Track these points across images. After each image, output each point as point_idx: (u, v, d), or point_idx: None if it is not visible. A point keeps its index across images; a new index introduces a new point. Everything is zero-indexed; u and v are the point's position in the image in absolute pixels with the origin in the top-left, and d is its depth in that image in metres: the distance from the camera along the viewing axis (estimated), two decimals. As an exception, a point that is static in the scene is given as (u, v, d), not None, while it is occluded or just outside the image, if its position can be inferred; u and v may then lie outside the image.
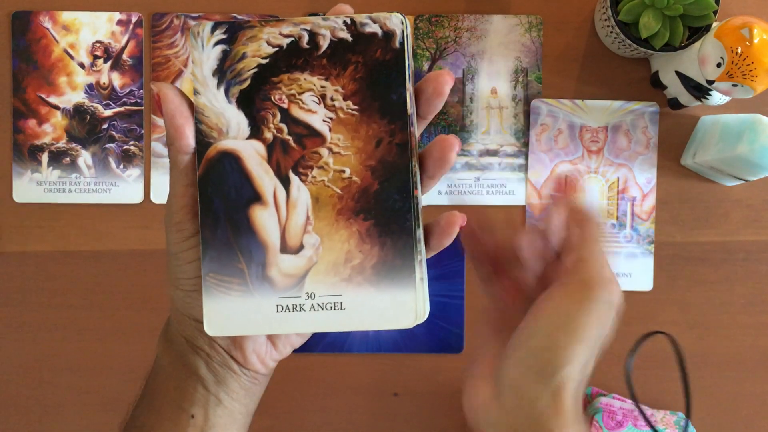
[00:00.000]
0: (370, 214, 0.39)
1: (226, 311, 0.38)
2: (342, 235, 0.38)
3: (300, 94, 0.39)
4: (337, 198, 0.39)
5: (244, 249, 0.38)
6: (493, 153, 0.75)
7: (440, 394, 0.75)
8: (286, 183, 0.38)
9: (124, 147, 0.74)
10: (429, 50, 0.74)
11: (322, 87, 0.39)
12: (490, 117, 0.75)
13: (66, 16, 0.73)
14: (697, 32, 0.66)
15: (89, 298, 0.74)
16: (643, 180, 0.74)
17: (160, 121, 0.74)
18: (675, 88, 0.70)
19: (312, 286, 0.38)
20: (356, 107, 0.39)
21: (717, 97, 0.69)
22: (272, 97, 0.39)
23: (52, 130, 0.73)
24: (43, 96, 0.73)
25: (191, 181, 0.38)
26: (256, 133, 0.39)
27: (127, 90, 0.74)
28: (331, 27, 0.38)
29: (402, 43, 0.39)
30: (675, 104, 0.72)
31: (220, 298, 0.38)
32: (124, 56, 0.74)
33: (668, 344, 0.67)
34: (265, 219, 0.38)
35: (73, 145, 0.73)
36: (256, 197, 0.38)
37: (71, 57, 0.73)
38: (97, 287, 0.74)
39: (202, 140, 0.38)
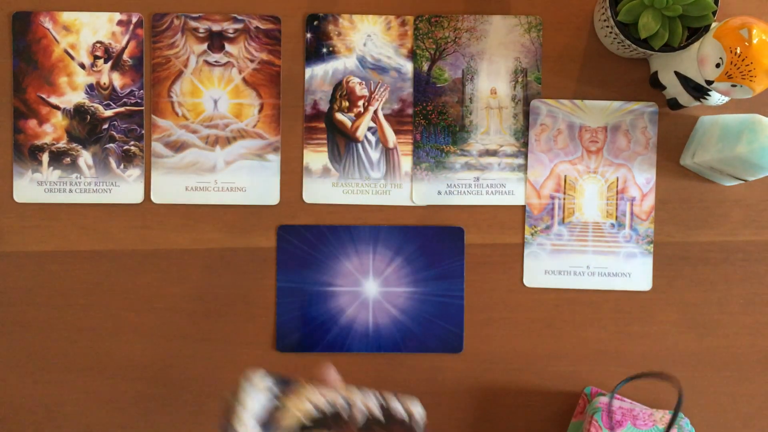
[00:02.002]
0: None
1: None
2: None
3: None
4: None
5: None
6: (492, 153, 0.75)
7: (440, 394, 0.75)
8: None
9: (125, 147, 0.74)
10: (429, 50, 0.74)
11: None
12: (489, 117, 0.75)
13: (66, 16, 0.73)
14: (696, 33, 0.66)
15: (89, 297, 0.74)
16: (642, 180, 0.74)
17: (160, 121, 0.74)
18: (674, 89, 0.71)
19: None
20: None
21: (716, 98, 0.70)
22: None
23: (52, 130, 0.73)
24: (43, 96, 0.73)
25: None
26: None
27: (128, 90, 0.74)
28: (366, 409, 0.43)
29: (423, 427, 0.43)
30: (674, 104, 0.72)
31: None
32: (125, 56, 0.74)
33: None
34: None
35: (74, 145, 0.74)
36: None
37: (72, 57, 0.73)
38: (98, 287, 0.74)
39: None
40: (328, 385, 0.44)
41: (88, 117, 0.74)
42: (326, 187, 0.74)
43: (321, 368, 0.45)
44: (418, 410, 0.43)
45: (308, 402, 0.41)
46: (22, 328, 0.74)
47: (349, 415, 0.42)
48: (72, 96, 0.73)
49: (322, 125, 0.74)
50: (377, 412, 0.42)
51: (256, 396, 0.41)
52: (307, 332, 0.74)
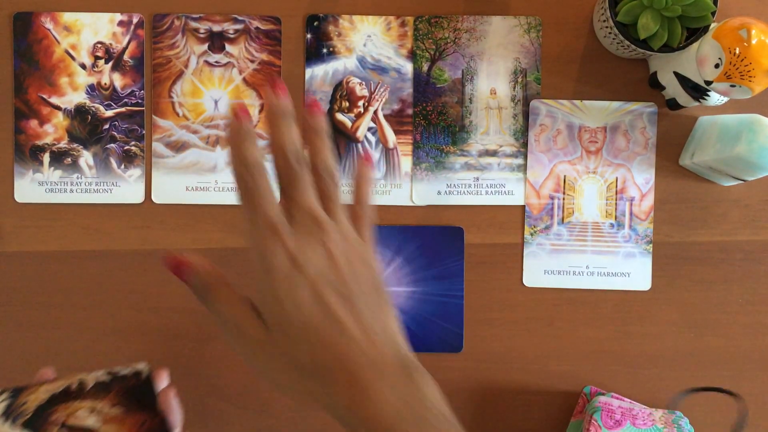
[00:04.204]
0: None
1: None
2: None
3: (74, 412, 0.48)
4: None
5: None
6: (492, 153, 0.75)
7: (440, 394, 0.75)
8: None
9: (125, 147, 0.74)
10: (428, 51, 0.75)
11: (92, 405, 0.49)
12: (489, 117, 0.75)
13: (67, 17, 0.73)
14: (695, 33, 0.66)
15: (90, 297, 0.74)
16: (641, 180, 0.75)
17: (161, 122, 0.74)
18: (673, 89, 0.71)
19: None
20: (122, 408, 0.49)
21: (715, 98, 0.70)
22: (51, 417, 0.48)
23: (53, 131, 0.74)
24: (44, 96, 0.73)
25: None
26: None
27: (128, 90, 0.74)
28: (95, 377, 0.50)
29: (149, 375, 0.51)
30: (673, 105, 0.72)
31: None
32: (125, 57, 0.74)
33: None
34: None
35: (75, 145, 0.74)
36: None
37: (72, 58, 0.74)
38: (98, 287, 0.74)
39: None
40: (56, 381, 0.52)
41: (89, 117, 0.74)
42: (326, 187, 0.74)
43: (39, 373, 0.54)
44: (140, 365, 0.51)
45: (41, 392, 0.49)
46: (22, 328, 0.74)
47: (78, 385, 0.50)
48: (73, 96, 0.74)
49: (323, 125, 0.74)
50: (104, 377, 0.50)
51: None
52: (308, 332, 0.74)
